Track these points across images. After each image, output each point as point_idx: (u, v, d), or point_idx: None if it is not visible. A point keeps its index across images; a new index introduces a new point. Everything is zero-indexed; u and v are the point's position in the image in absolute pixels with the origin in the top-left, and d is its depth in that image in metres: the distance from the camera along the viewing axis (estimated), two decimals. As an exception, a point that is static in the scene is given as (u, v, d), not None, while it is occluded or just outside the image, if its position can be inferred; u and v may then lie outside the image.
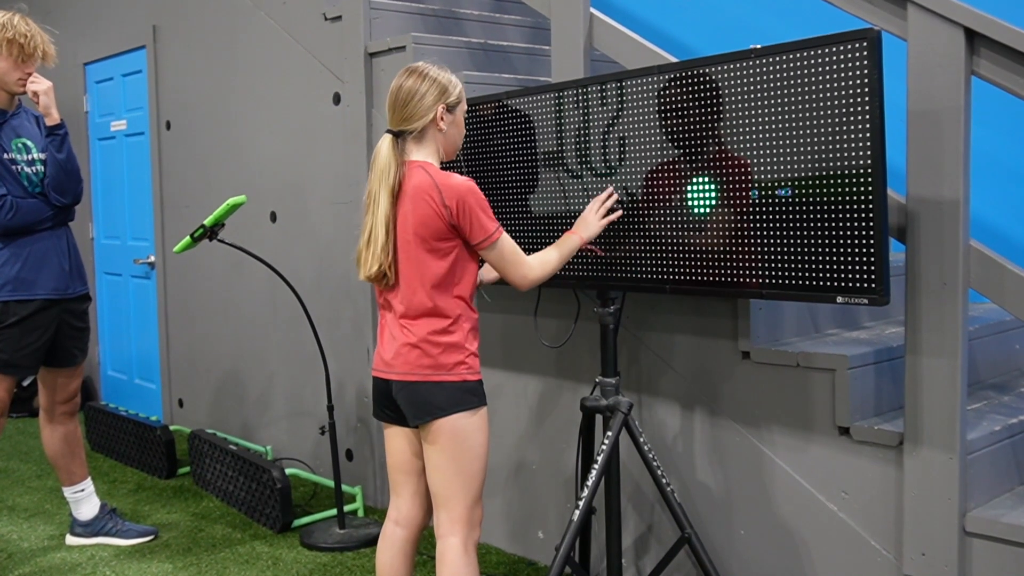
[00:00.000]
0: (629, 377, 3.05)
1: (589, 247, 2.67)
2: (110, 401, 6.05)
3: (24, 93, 3.33)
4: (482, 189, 2.39)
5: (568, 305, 3.13)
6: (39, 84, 3.30)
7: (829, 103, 2.14)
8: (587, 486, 2.56)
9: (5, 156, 3.30)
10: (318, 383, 4.20)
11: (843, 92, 2.11)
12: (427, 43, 3.76)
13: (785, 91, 2.22)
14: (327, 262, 4.20)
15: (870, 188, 2.09)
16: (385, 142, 2.38)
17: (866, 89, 2.08)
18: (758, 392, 2.72)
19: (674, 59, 2.78)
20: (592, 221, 2.60)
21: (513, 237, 2.90)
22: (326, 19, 4.09)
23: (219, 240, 3.49)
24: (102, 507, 3.74)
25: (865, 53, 2.07)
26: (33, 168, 3.36)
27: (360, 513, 3.95)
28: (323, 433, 3.81)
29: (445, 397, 2.33)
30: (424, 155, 2.40)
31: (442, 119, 2.38)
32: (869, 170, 2.09)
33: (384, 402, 2.45)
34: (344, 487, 3.98)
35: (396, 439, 2.49)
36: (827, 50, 2.13)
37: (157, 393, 5.64)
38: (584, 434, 2.79)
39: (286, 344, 4.51)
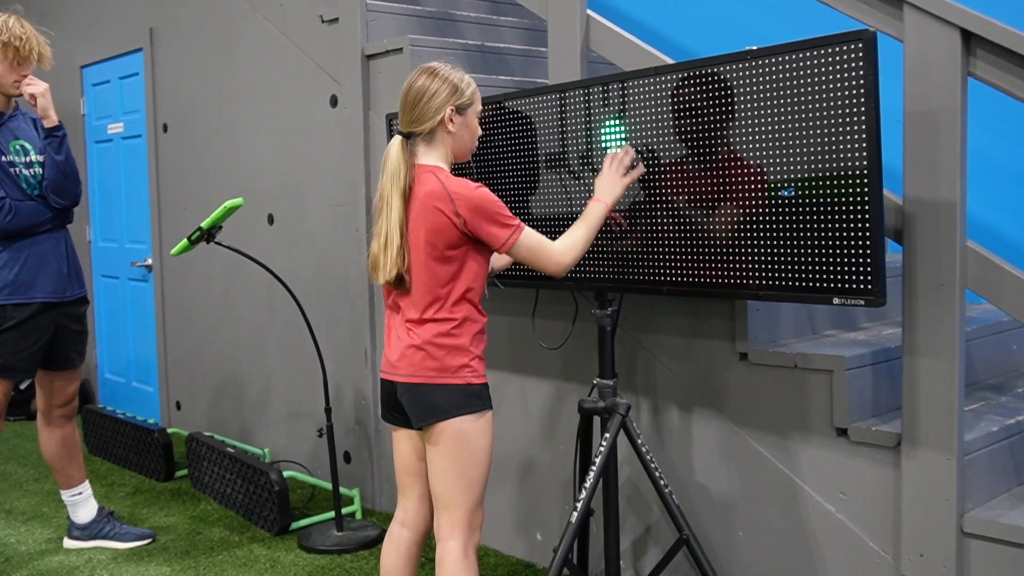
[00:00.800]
0: (627, 379, 3.05)
1: (613, 215, 2.57)
2: (108, 404, 6.05)
3: (20, 95, 3.33)
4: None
5: (566, 307, 3.13)
6: (35, 86, 3.30)
7: (825, 104, 2.14)
8: (585, 488, 2.56)
9: (3, 159, 3.29)
10: (316, 385, 4.20)
11: (839, 93, 2.12)
12: (424, 45, 3.76)
13: (781, 92, 2.22)
14: (325, 264, 4.20)
15: (866, 189, 2.09)
16: (395, 144, 2.35)
17: (862, 90, 2.08)
18: (756, 393, 2.72)
19: (671, 61, 2.78)
20: (615, 181, 2.49)
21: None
22: (323, 21, 4.09)
23: (216, 243, 3.49)
24: (100, 510, 3.73)
25: (861, 54, 2.07)
26: (31, 170, 3.36)
27: (358, 515, 3.95)
28: (321, 435, 3.81)
29: (449, 400, 2.32)
30: (434, 158, 2.37)
31: (451, 121, 2.35)
32: (865, 171, 2.09)
33: (390, 404, 2.44)
34: (342, 489, 3.98)
35: (402, 441, 2.49)
36: (823, 51, 2.13)
37: (155, 396, 5.63)
38: (582, 436, 2.79)
39: (284, 347, 4.50)
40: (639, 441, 2.64)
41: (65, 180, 3.37)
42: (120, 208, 5.79)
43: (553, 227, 2.81)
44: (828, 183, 2.16)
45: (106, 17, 5.72)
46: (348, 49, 3.94)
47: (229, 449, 4.08)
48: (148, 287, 5.57)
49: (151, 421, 4.75)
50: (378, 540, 3.64)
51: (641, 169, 2.52)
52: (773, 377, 2.67)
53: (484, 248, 2.36)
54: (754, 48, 2.27)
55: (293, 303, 3.73)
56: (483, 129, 2.96)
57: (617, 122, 2.56)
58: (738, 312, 2.73)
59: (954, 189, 2.26)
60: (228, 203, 3.36)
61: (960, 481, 2.33)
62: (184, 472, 4.56)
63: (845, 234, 2.14)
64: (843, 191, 2.13)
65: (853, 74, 2.09)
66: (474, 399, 2.34)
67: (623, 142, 2.55)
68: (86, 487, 3.70)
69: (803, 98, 2.18)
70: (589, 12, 3.12)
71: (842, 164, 2.13)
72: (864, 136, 2.09)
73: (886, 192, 2.27)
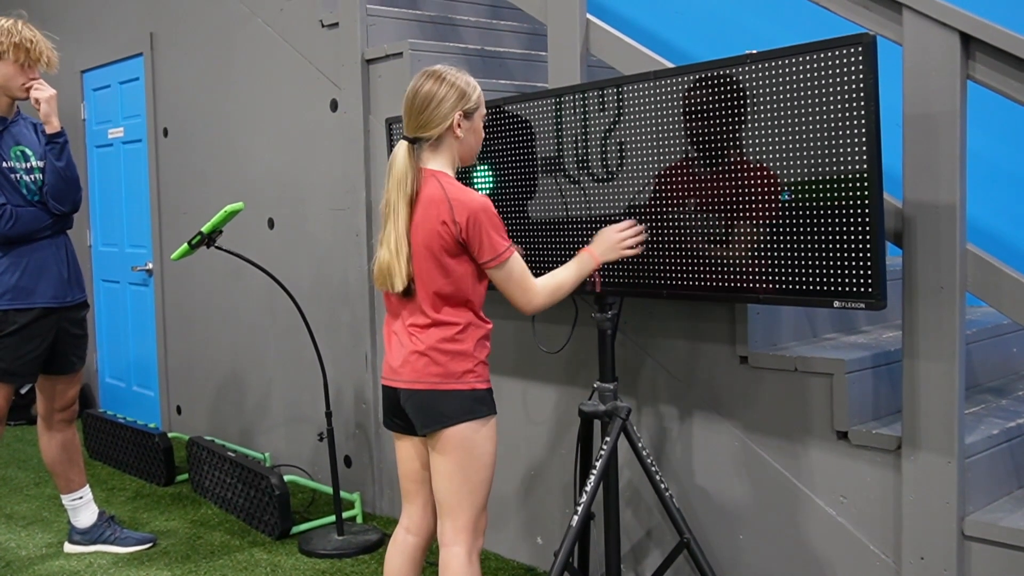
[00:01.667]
0: (627, 382, 3.05)
1: (595, 275, 2.57)
2: (108, 408, 6.04)
3: (27, 99, 3.34)
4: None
5: (566, 310, 3.13)
6: (43, 91, 3.30)
7: (825, 108, 2.14)
8: (586, 491, 2.56)
9: (4, 164, 3.30)
10: (316, 389, 4.20)
11: (839, 97, 2.12)
12: (424, 50, 3.77)
13: (781, 96, 2.22)
14: (325, 268, 4.20)
15: (866, 192, 2.10)
16: (401, 149, 2.33)
17: (862, 94, 2.08)
18: (756, 397, 2.72)
19: (670, 65, 2.79)
20: (614, 247, 2.49)
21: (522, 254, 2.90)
22: (323, 26, 4.09)
23: (217, 247, 3.49)
24: (100, 515, 3.73)
25: (861, 58, 2.07)
26: (32, 176, 3.36)
27: (359, 519, 3.95)
28: (321, 439, 3.81)
29: (453, 406, 2.31)
30: (440, 163, 2.36)
31: (459, 126, 2.33)
32: (865, 175, 2.09)
33: (393, 410, 2.43)
34: (343, 493, 3.97)
35: (405, 448, 2.48)
36: (823, 55, 2.14)
37: (155, 400, 5.63)
38: (582, 440, 2.79)
39: (284, 351, 4.50)
40: (640, 445, 2.63)
41: (66, 186, 3.37)
42: (120, 212, 5.80)
43: (553, 231, 2.82)
44: (828, 186, 2.16)
45: (106, 22, 5.73)
46: (348, 53, 3.95)
47: (230, 453, 4.08)
48: (149, 291, 5.57)
49: (152, 425, 4.75)
50: (379, 544, 3.63)
51: (639, 251, 2.53)
52: (773, 380, 2.67)
53: None
54: (754, 52, 2.27)
55: (293, 307, 3.73)
56: (484, 133, 2.97)
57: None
58: (738, 315, 2.73)
59: (954, 192, 2.26)
60: (228, 207, 3.36)
61: (960, 484, 2.32)
62: (185, 476, 4.56)
63: (845, 237, 2.14)
64: (843, 194, 2.13)
65: (853, 78, 2.09)
66: (479, 405, 2.33)
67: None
68: (87, 491, 3.70)
69: (803, 102, 2.18)
70: (589, 16, 3.12)
71: (842, 167, 2.13)
72: (864, 139, 2.09)
73: (886, 195, 2.27)
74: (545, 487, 3.36)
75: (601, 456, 2.58)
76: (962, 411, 2.32)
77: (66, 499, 3.68)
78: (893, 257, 2.67)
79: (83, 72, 5.99)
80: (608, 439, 2.60)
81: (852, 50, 2.08)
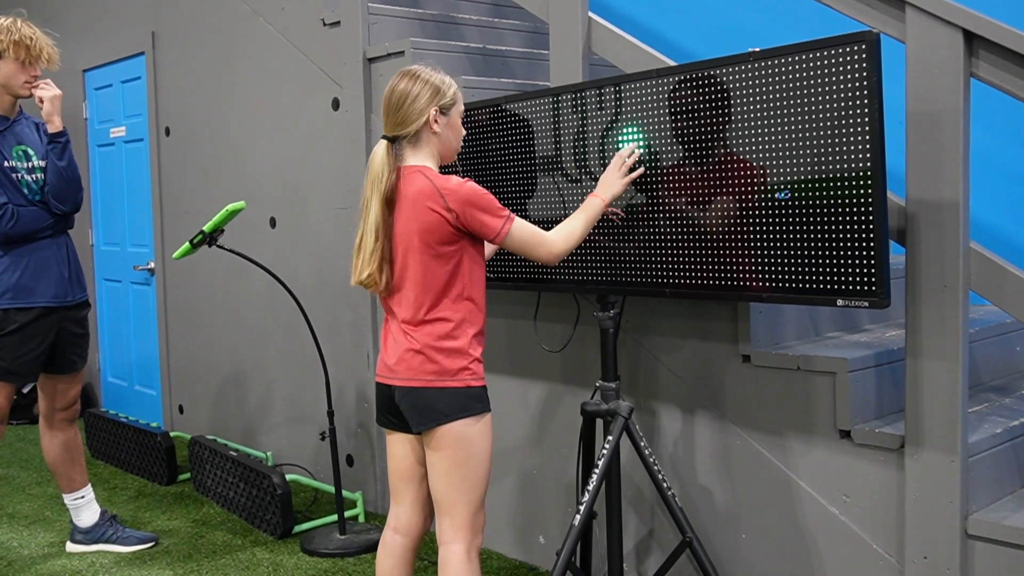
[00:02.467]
0: (629, 381, 3.04)
1: (611, 209, 2.60)
2: (110, 408, 6.05)
3: (30, 97, 3.34)
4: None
5: (568, 309, 3.13)
6: (48, 91, 3.30)
7: (828, 106, 2.14)
8: (588, 491, 2.55)
9: (6, 164, 3.29)
10: (318, 389, 4.20)
11: (842, 95, 2.11)
12: (426, 48, 3.76)
13: (784, 94, 2.21)
14: (327, 267, 4.20)
15: (870, 190, 2.09)
16: (380, 148, 2.36)
17: (865, 92, 2.08)
18: (759, 395, 2.71)
19: (673, 63, 2.78)
20: (614, 180, 2.52)
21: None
22: (324, 24, 4.09)
23: (219, 246, 3.49)
24: (102, 514, 3.73)
25: (864, 56, 2.07)
26: (33, 176, 3.36)
27: (361, 519, 3.94)
28: (323, 439, 3.81)
29: (449, 403, 2.31)
30: (421, 159, 2.38)
31: (436, 122, 2.36)
32: (868, 172, 2.09)
33: (387, 408, 2.44)
34: (345, 493, 3.97)
35: (398, 445, 2.48)
36: (826, 53, 2.13)
37: (157, 399, 5.64)
38: (585, 438, 2.79)
39: (286, 350, 4.50)
40: (642, 444, 2.63)
41: (67, 186, 3.37)
42: (122, 212, 5.80)
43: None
44: (831, 184, 2.15)
45: (108, 21, 5.73)
46: (350, 52, 3.94)
47: (232, 452, 4.08)
48: (150, 291, 5.57)
49: (154, 425, 4.75)
50: (381, 543, 3.64)
51: (641, 171, 2.54)
52: (776, 379, 2.67)
53: (479, 244, 2.37)
54: (757, 50, 2.27)
55: (295, 306, 3.73)
56: (485, 131, 2.96)
57: (634, 130, 2.56)
58: (741, 314, 2.72)
59: (957, 190, 2.26)
60: (230, 207, 3.36)
61: (964, 483, 2.32)
62: (187, 476, 4.56)
63: (848, 236, 2.14)
64: (846, 192, 2.13)
65: (856, 75, 2.08)
66: (474, 402, 2.34)
67: (640, 148, 2.55)
68: (88, 491, 3.70)
69: (806, 100, 2.18)
70: (591, 14, 3.12)
71: (845, 165, 2.12)
72: (867, 137, 2.08)
73: (889, 193, 2.27)
74: (547, 486, 3.36)
75: (603, 455, 2.58)
76: (965, 410, 2.31)
77: (68, 498, 3.68)
78: (896, 255, 2.66)
79: (85, 71, 5.99)
80: (610, 438, 2.59)
81: (855, 48, 2.08)
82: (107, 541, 3.69)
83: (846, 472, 2.54)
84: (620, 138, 2.60)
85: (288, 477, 3.97)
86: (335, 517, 3.77)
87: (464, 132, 2.52)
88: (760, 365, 2.69)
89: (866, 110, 2.08)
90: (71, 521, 3.72)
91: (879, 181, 2.08)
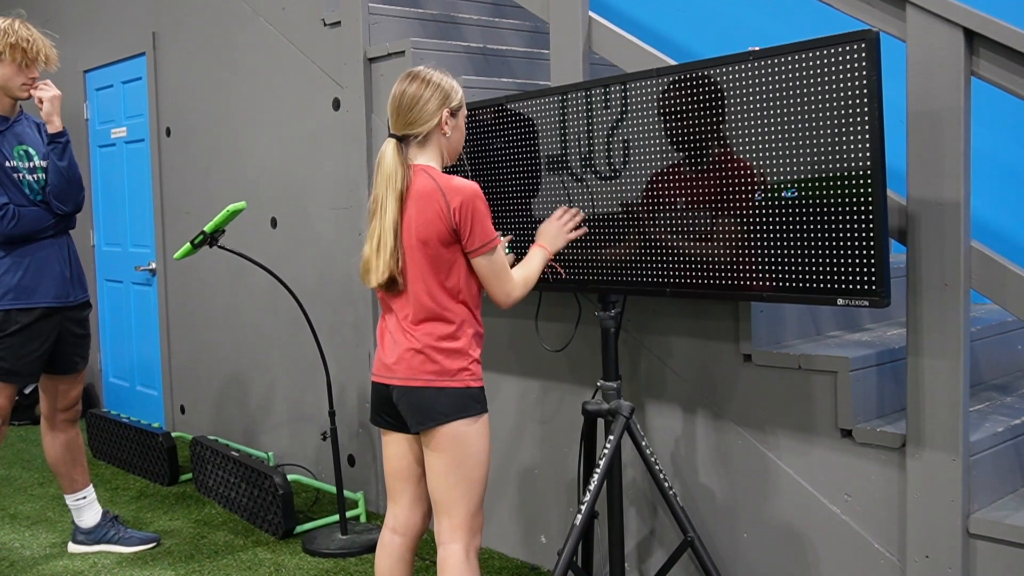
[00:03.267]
0: (631, 381, 3.04)
1: (551, 263, 2.68)
2: (112, 408, 6.05)
3: (29, 98, 3.34)
4: (483, 192, 2.37)
5: (569, 309, 3.13)
6: (47, 91, 3.30)
7: (828, 105, 2.14)
8: (589, 490, 2.55)
9: (7, 164, 3.29)
10: (320, 389, 4.20)
11: (842, 94, 2.11)
12: (426, 48, 3.76)
13: (784, 93, 2.21)
14: (328, 267, 4.20)
15: (870, 189, 2.09)
16: (389, 147, 2.36)
17: (865, 90, 2.07)
18: (760, 395, 2.71)
19: (673, 62, 2.78)
20: (559, 234, 2.60)
21: (514, 240, 2.90)
22: (325, 25, 4.09)
23: (220, 246, 3.49)
24: (104, 514, 3.73)
25: (864, 54, 2.07)
26: (35, 176, 3.36)
27: (362, 519, 3.95)
28: (325, 439, 3.81)
29: (448, 403, 2.31)
30: (427, 159, 2.39)
31: (446, 124, 2.38)
32: (869, 172, 2.09)
33: (384, 408, 2.43)
34: (346, 493, 3.97)
35: (395, 445, 2.48)
36: (826, 52, 2.13)
37: (159, 400, 5.64)
38: (586, 438, 2.79)
39: (287, 350, 4.50)
40: (643, 443, 2.63)
41: (68, 186, 3.37)
42: (123, 212, 5.80)
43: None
44: (832, 184, 2.15)
45: (109, 21, 5.73)
46: (350, 52, 3.94)
47: (233, 453, 4.08)
48: (152, 291, 5.57)
49: (155, 425, 4.76)
50: (382, 543, 3.64)
51: (584, 230, 2.66)
52: (777, 378, 2.66)
53: None
54: (756, 49, 2.26)
55: (296, 306, 3.73)
56: (486, 131, 2.97)
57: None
58: (742, 313, 2.72)
59: (958, 189, 2.25)
60: (231, 207, 3.36)
61: (965, 482, 2.32)
62: (188, 476, 4.56)
63: (849, 235, 2.13)
64: (847, 192, 2.13)
65: (856, 74, 2.08)
66: (472, 402, 2.34)
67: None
68: (90, 491, 3.70)
69: (806, 99, 2.18)
70: (591, 14, 3.12)
71: (845, 164, 2.12)
72: (867, 136, 2.08)
73: (890, 192, 2.27)
74: (548, 486, 3.36)
75: (605, 455, 2.58)
76: (967, 408, 2.31)
77: (70, 499, 3.68)
78: (897, 254, 2.67)
79: (85, 72, 5.99)
80: (612, 438, 2.59)
81: (855, 47, 2.08)
82: (109, 542, 3.69)
83: (847, 471, 2.54)
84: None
85: (290, 477, 3.97)
86: (337, 517, 3.77)
87: (466, 132, 2.54)
88: (761, 364, 2.69)
89: (866, 109, 2.08)
90: (73, 522, 3.73)
91: (879, 180, 2.08)
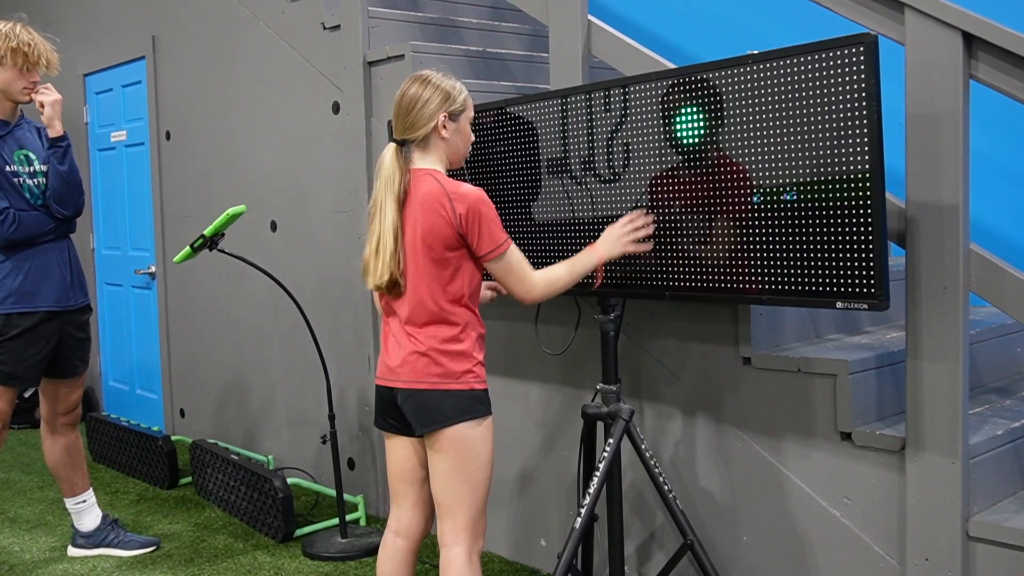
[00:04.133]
0: (630, 384, 3.05)
1: (597, 270, 2.57)
2: (111, 412, 6.04)
3: (30, 102, 3.34)
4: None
5: (569, 312, 3.13)
6: (48, 95, 3.30)
7: (827, 108, 2.14)
8: (589, 493, 2.55)
9: (8, 168, 3.30)
10: (319, 392, 4.20)
11: (841, 97, 2.11)
12: (426, 52, 3.77)
13: (783, 96, 2.22)
14: (328, 271, 4.20)
15: (869, 193, 2.09)
16: (389, 151, 2.37)
17: (864, 94, 2.08)
18: (759, 398, 2.71)
19: (672, 65, 2.79)
20: (618, 243, 2.50)
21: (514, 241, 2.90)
22: (325, 28, 4.09)
23: (219, 250, 3.49)
24: (104, 518, 3.73)
25: (863, 58, 2.07)
26: (35, 180, 3.36)
27: (362, 522, 3.94)
28: (325, 442, 3.81)
29: (452, 405, 2.32)
30: (429, 163, 2.38)
31: (444, 127, 2.37)
32: (868, 175, 2.09)
33: (387, 411, 2.43)
34: (346, 496, 3.97)
35: (398, 449, 2.48)
36: (825, 55, 2.13)
37: (159, 403, 5.64)
38: (586, 441, 2.79)
39: (287, 353, 4.50)
40: (643, 446, 2.63)
41: (68, 190, 3.38)
42: (123, 216, 5.80)
43: (554, 233, 2.81)
44: (830, 187, 2.15)
45: (109, 25, 5.73)
46: (350, 56, 3.95)
47: (233, 456, 4.08)
48: (152, 294, 5.57)
49: (155, 428, 4.75)
50: (382, 547, 3.63)
51: (649, 246, 2.52)
52: (776, 381, 2.67)
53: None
54: (755, 52, 2.27)
55: (296, 310, 3.73)
56: (486, 135, 2.97)
57: (695, 110, 2.42)
58: (741, 316, 2.72)
59: (957, 192, 2.26)
60: (231, 210, 3.36)
61: (965, 485, 2.32)
62: (188, 479, 4.56)
63: (848, 238, 2.14)
64: (845, 195, 2.13)
65: (855, 77, 2.09)
66: (477, 404, 2.34)
67: (700, 133, 2.42)
68: (90, 495, 3.70)
69: (805, 102, 2.18)
70: (590, 17, 3.12)
71: (844, 168, 2.13)
72: (866, 139, 2.08)
73: (889, 195, 2.27)
74: (548, 489, 3.36)
75: (604, 458, 2.58)
76: (966, 411, 2.31)
77: (69, 503, 3.68)
78: (896, 257, 2.67)
79: (85, 75, 6.00)
80: (611, 441, 2.59)
81: (854, 50, 2.08)
82: (109, 545, 3.69)
83: (847, 474, 2.54)
84: (680, 122, 2.46)
85: (289, 481, 3.97)
86: (336, 521, 3.77)
87: (473, 138, 2.52)
88: (761, 367, 2.70)
89: (865, 112, 2.08)
90: (73, 525, 3.72)
91: (878, 183, 2.08)
